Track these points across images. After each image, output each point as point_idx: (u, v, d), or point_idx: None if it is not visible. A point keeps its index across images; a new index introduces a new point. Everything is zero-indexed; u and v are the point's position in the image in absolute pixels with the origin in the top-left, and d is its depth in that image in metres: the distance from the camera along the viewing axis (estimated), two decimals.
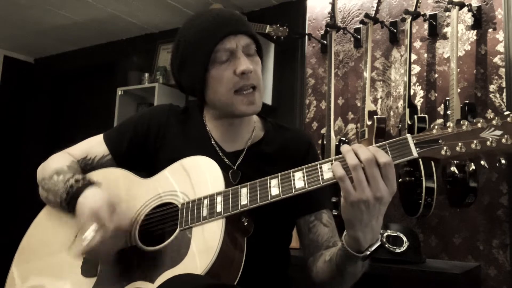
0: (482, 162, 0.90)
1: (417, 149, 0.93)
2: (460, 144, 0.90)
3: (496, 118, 0.88)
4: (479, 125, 0.89)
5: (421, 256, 2.33)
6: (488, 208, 2.49)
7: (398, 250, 2.23)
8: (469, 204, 2.37)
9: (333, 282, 1.15)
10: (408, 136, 0.94)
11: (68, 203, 1.17)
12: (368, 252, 0.99)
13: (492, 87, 2.57)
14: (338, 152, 2.86)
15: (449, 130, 0.92)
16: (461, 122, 0.91)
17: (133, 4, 3.64)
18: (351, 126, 3.04)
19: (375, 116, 2.70)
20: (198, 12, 1.29)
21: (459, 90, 2.59)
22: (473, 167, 0.92)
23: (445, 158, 0.91)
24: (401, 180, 2.52)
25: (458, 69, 2.60)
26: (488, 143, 0.88)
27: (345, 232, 1.02)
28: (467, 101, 2.43)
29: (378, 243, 1.00)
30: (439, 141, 0.92)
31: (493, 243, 2.46)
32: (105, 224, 1.07)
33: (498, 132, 0.87)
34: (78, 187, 1.17)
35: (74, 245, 1.20)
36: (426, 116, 2.52)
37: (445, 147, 0.91)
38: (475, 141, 0.88)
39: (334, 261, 1.10)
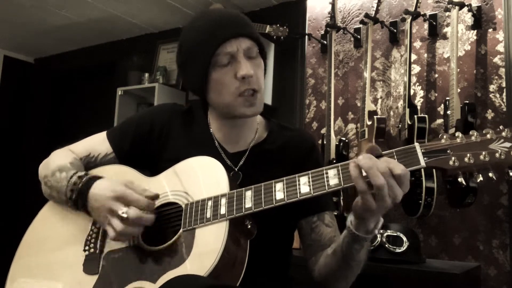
0: (490, 174, 0.90)
1: (425, 158, 0.93)
2: (468, 155, 0.90)
3: (505, 130, 0.89)
4: (488, 136, 0.90)
5: (421, 256, 2.34)
6: (488, 208, 2.50)
7: (398, 250, 2.23)
8: (469, 204, 2.37)
9: (338, 273, 1.16)
10: (416, 145, 0.95)
11: (76, 201, 1.17)
12: (376, 231, 1.05)
13: (492, 87, 2.57)
14: (338, 152, 2.87)
15: (458, 140, 0.92)
16: (470, 133, 0.91)
17: (133, 4, 3.64)
18: (351, 126, 3.04)
19: (375, 116, 2.70)
20: (201, 12, 1.28)
21: (459, 90, 2.59)
22: (481, 178, 0.92)
23: (453, 169, 0.91)
24: None
25: (458, 69, 2.60)
26: (497, 155, 0.88)
27: (350, 218, 1.05)
28: (467, 101, 2.43)
29: (382, 220, 1.05)
30: (448, 151, 0.92)
31: (493, 243, 2.47)
32: (136, 199, 1.09)
33: (508, 144, 0.88)
34: (83, 183, 1.18)
35: (67, 249, 1.21)
36: (426, 116, 2.53)
37: (453, 158, 0.91)
38: (483, 153, 0.89)
39: (339, 251, 1.11)
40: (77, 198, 1.17)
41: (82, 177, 1.20)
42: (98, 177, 1.20)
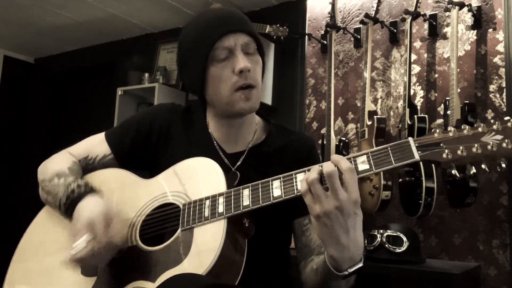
0: (483, 166, 0.91)
1: (418, 152, 0.94)
2: (461, 147, 0.91)
3: (496, 123, 0.90)
4: (480, 129, 0.91)
5: (421, 256, 2.33)
6: (488, 208, 2.49)
7: (398, 250, 2.23)
8: (469, 204, 2.37)
9: None
10: (410, 139, 0.96)
11: (67, 208, 1.17)
12: (347, 273, 0.97)
13: (492, 87, 2.57)
14: (338, 152, 2.86)
15: (451, 134, 0.94)
16: (462, 127, 0.93)
17: (133, 4, 3.64)
18: (351, 126, 3.04)
19: (375, 116, 2.70)
20: (201, 11, 1.29)
21: (459, 90, 2.59)
22: (474, 170, 0.94)
23: (447, 161, 0.93)
24: (401, 180, 2.52)
25: (458, 69, 2.60)
26: (489, 147, 0.90)
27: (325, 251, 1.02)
28: (467, 101, 2.43)
29: (360, 265, 0.98)
30: (441, 145, 0.93)
31: (493, 243, 2.46)
32: (98, 237, 1.06)
33: (499, 137, 0.89)
34: (79, 192, 1.17)
35: (64, 252, 1.20)
36: (426, 116, 2.52)
37: (446, 151, 0.93)
38: (476, 145, 0.90)
39: (319, 273, 1.09)
40: (69, 206, 1.16)
41: (81, 186, 1.18)
42: (92, 191, 1.18)
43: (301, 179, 0.97)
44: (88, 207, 1.12)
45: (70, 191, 1.18)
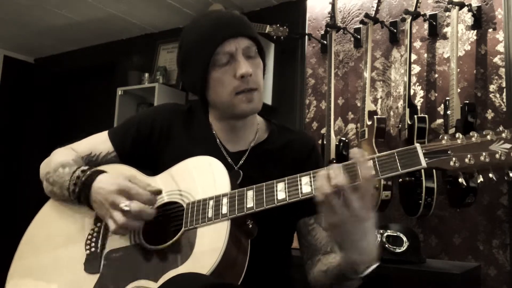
0: (490, 175, 0.90)
1: (425, 159, 0.93)
2: (469, 155, 0.90)
3: (505, 131, 0.89)
4: (488, 137, 0.90)
5: (421, 256, 2.34)
6: (488, 208, 2.50)
7: (398, 250, 2.23)
8: (469, 204, 2.37)
9: None
10: (417, 145, 0.94)
11: (79, 193, 1.18)
12: (364, 274, 1.00)
13: (492, 87, 2.58)
14: (338, 152, 2.87)
15: (458, 141, 0.92)
16: (471, 134, 0.92)
17: (133, 4, 3.64)
18: (351, 126, 3.05)
19: (375, 116, 2.70)
20: (201, 13, 1.30)
21: (459, 90, 2.59)
22: (481, 179, 0.93)
23: (454, 169, 0.91)
24: (401, 180, 2.52)
25: (458, 69, 2.60)
26: (497, 156, 0.88)
27: (342, 255, 1.03)
28: (467, 101, 2.43)
29: (376, 264, 1.00)
30: (448, 152, 0.92)
31: (493, 243, 2.47)
32: (138, 192, 1.10)
33: (508, 146, 0.88)
34: (86, 176, 1.18)
35: (67, 248, 1.20)
36: (426, 116, 2.53)
37: (454, 158, 0.91)
38: (484, 154, 0.89)
39: (330, 275, 1.10)
40: (80, 191, 1.18)
41: (86, 171, 1.20)
42: (101, 171, 1.20)
43: (317, 187, 0.95)
44: (106, 181, 1.15)
45: (75, 177, 1.19)
